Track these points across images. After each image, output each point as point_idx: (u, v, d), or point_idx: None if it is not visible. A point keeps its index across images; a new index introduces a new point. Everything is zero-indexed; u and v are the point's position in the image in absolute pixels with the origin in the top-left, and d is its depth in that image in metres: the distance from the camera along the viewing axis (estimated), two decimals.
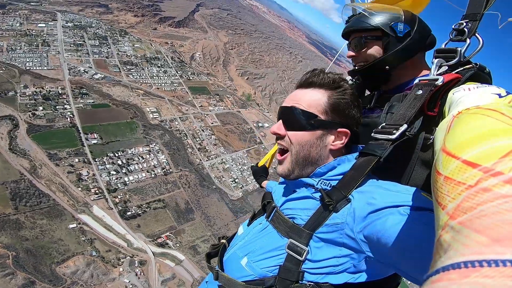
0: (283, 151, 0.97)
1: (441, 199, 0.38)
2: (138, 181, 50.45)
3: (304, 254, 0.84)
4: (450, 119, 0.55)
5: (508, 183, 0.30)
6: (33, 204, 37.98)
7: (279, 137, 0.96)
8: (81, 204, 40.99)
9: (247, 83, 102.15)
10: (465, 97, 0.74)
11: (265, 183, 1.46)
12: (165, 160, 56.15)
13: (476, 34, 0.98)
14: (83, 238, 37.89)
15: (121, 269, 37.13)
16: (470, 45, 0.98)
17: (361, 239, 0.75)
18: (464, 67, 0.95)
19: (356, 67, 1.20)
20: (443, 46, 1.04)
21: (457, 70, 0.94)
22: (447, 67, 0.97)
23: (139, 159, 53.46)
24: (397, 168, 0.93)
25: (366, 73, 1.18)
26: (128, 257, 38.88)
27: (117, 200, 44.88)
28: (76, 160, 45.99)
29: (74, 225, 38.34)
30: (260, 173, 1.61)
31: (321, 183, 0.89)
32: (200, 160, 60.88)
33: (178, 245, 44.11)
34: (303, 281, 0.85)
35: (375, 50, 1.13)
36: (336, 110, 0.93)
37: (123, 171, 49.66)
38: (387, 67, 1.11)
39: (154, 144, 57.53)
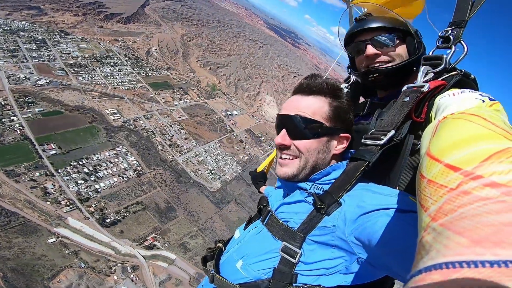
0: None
1: (424, 202, 0.40)
2: (111, 187, 48.59)
3: (297, 256, 0.86)
4: (436, 124, 0.57)
5: (488, 186, 0.32)
6: (2, 224, 35.38)
7: (284, 147, 0.97)
8: (54, 218, 38.87)
9: (210, 73, 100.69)
10: (449, 103, 0.77)
11: (263, 189, 1.50)
12: (135, 162, 54.44)
13: (461, 41, 1.02)
14: (66, 251, 36.46)
15: (115, 277, 36.57)
16: (456, 52, 1.02)
17: (352, 241, 0.78)
18: (450, 74, 0.98)
19: (376, 66, 1.15)
20: (430, 54, 1.08)
21: (442, 77, 0.97)
22: (433, 74, 1.00)
23: (107, 164, 51.15)
24: (387, 172, 0.97)
25: (395, 72, 1.13)
26: (119, 264, 38.20)
27: (92, 209, 43.20)
28: (37, 174, 42.93)
29: (53, 240, 36.58)
30: (259, 178, 1.62)
31: (314, 187, 0.93)
32: (173, 156, 59.97)
33: (166, 245, 44.06)
34: (297, 283, 0.88)
35: (403, 50, 1.14)
36: (338, 116, 0.97)
37: (92, 178, 47.37)
38: (414, 68, 1.12)
39: (121, 146, 55.24)
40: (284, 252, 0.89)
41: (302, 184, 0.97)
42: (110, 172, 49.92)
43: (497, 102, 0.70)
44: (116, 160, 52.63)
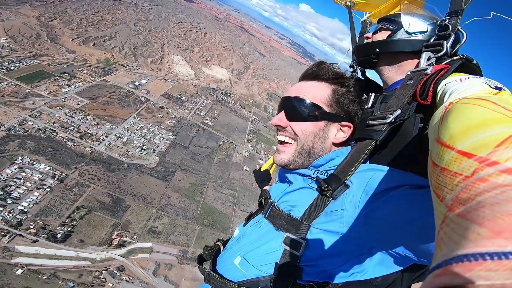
0: (283, 142, 0.98)
1: (439, 191, 0.38)
2: (37, 203, 42.84)
3: (301, 248, 0.81)
4: (443, 110, 0.57)
5: (505, 172, 0.31)
6: None
7: (281, 128, 0.97)
8: (1, 252, 34.37)
9: (97, 48, 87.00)
10: (456, 88, 0.77)
11: (267, 188, 1.50)
12: (48, 168, 47.84)
13: (459, 28, 1.07)
14: (44, 277, 33.75)
15: (110, 284, 35.62)
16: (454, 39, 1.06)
17: (365, 225, 0.73)
18: (452, 59, 1.02)
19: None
20: (430, 42, 1.12)
21: (445, 62, 1.00)
22: (435, 59, 1.04)
23: (15, 182, 43.77)
24: (394, 156, 0.96)
25: (359, 50, 1.35)
26: (104, 271, 36.84)
27: (32, 230, 38.57)
28: None
29: (22, 270, 33.33)
30: (263, 177, 1.59)
31: (317, 173, 0.91)
32: (91, 147, 54.36)
33: (135, 236, 42.90)
34: (302, 281, 0.84)
35: (380, 36, 1.26)
36: (341, 103, 0.95)
37: (9, 201, 40.60)
38: (377, 49, 1.23)
39: (21, 158, 47.01)
40: (287, 244, 0.83)
41: (304, 171, 0.94)
42: (26, 188, 43.20)
43: (503, 91, 0.69)
44: (23, 174, 45.23)
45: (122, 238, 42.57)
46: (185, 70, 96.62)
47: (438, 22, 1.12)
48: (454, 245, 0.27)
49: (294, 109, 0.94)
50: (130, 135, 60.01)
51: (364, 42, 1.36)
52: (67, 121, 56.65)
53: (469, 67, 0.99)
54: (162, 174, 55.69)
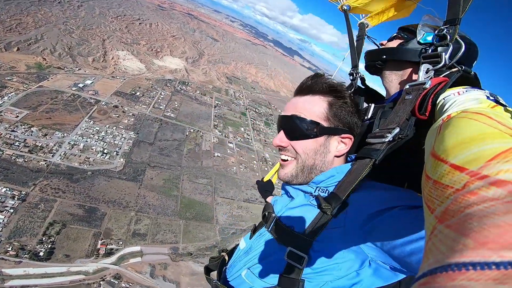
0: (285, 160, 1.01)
1: (430, 203, 0.40)
2: (5, 225, 39.75)
3: (304, 262, 0.85)
4: (440, 124, 0.57)
5: (494, 185, 0.32)
6: None
7: (282, 148, 1.00)
8: None
9: (23, 53, 77.29)
10: (454, 101, 0.78)
11: (270, 199, 1.52)
12: (4, 189, 43.56)
13: (458, 38, 1.06)
14: None
15: None
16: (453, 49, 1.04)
17: (363, 242, 0.78)
18: (450, 71, 1.02)
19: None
20: (428, 52, 1.11)
21: (444, 74, 1.00)
22: (433, 72, 1.04)
23: None
24: (393, 173, 0.98)
25: (369, 55, 1.35)
26: (101, 282, 36.09)
27: (12, 252, 36.59)
28: None
29: None
30: (266, 188, 1.63)
31: (318, 190, 0.93)
32: (45, 160, 50.10)
33: (121, 242, 41.52)
34: None
35: (392, 44, 1.27)
36: (338, 116, 0.97)
37: None
38: (384, 56, 1.23)
39: None
40: (290, 258, 0.87)
41: (305, 187, 0.97)
42: None
43: (500, 105, 0.69)
44: None
45: (108, 246, 41.33)
46: (134, 65, 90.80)
47: (436, 32, 1.11)
48: (440, 255, 0.28)
49: (293, 128, 0.97)
50: (86, 141, 56.18)
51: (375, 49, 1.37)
52: (9, 136, 51.10)
53: (467, 79, 0.99)
54: (131, 175, 53.54)
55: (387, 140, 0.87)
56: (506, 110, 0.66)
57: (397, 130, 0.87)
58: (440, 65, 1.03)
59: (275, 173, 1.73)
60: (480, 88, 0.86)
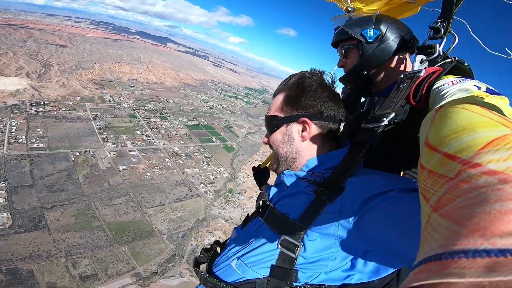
0: None
1: (425, 192, 0.42)
2: None
3: (298, 250, 0.85)
4: (433, 113, 0.59)
5: (485, 174, 0.33)
6: None
7: (267, 144, 1.12)
8: None
9: None
10: (448, 91, 0.81)
11: (265, 187, 1.52)
12: None
13: (451, 31, 1.13)
14: None
15: None
16: (447, 41, 1.12)
17: (358, 228, 0.77)
18: (444, 61, 1.07)
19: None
20: (422, 44, 1.17)
21: (438, 64, 1.05)
22: (428, 62, 1.07)
23: None
24: (388, 161, 1.01)
25: (349, 80, 1.36)
26: None
27: None
28: None
29: None
30: (262, 176, 1.62)
31: (314, 176, 0.95)
32: None
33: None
34: (298, 283, 0.87)
35: (353, 58, 1.29)
36: (289, 103, 1.04)
37: None
38: (364, 72, 1.25)
39: None
40: (283, 247, 0.87)
41: (301, 174, 1.00)
42: None
43: (492, 95, 0.72)
44: None
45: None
46: None
47: (430, 25, 1.19)
48: (434, 244, 0.29)
49: (266, 125, 1.11)
50: None
51: (346, 71, 1.36)
52: None
53: (461, 70, 1.04)
54: (30, 226, 43.87)
55: (382, 124, 0.91)
56: (498, 99, 0.69)
57: (392, 114, 0.92)
58: (434, 55, 1.10)
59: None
60: (473, 78, 0.92)
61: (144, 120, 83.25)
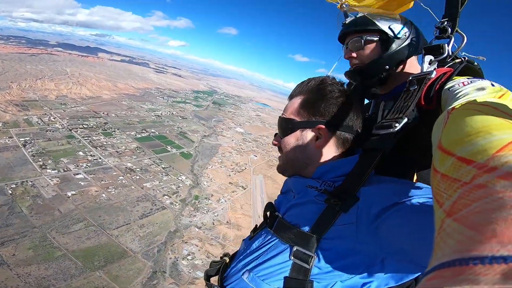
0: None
1: (439, 197, 0.41)
2: None
3: (312, 261, 0.84)
4: (445, 116, 0.58)
5: (502, 178, 0.33)
6: None
7: (276, 146, 1.13)
8: None
9: None
10: (459, 92, 0.79)
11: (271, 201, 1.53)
12: None
13: (458, 30, 1.10)
14: None
15: None
16: (454, 41, 1.10)
17: (375, 238, 0.76)
18: (454, 61, 1.04)
19: (353, 68, 1.31)
20: (431, 44, 1.14)
21: (448, 65, 1.03)
22: (437, 63, 1.06)
23: None
24: (401, 167, 0.99)
25: (365, 73, 1.28)
26: None
27: None
28: None
29: None
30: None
31: (324, 185, 0.94)
32: None
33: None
34: None
35: (373, 51, 1.24)
36: (307, 109, 1.03)
37: None
38: (386, 66, 1.21)
39: None
40: (296, 258, 0.86)
41: (310, 181, 0.99)
42: None
43: (506, 93, 0.71)
44: None
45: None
46: None
47: (436, 25, 1.18)
48: (448, 250, 0.29)
49: (279, 127, 1.11)
50: None
51: (367, 63, 1.28)
52: None
53: (471, 70, 1.03)
54: None
55: (395, 130, 0.89)
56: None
57: (405, 120, 0.90)
58: (444, 56, 1.07)
59: None
60: (483, 78, 0.89)
61: (85, 139, 77.29)
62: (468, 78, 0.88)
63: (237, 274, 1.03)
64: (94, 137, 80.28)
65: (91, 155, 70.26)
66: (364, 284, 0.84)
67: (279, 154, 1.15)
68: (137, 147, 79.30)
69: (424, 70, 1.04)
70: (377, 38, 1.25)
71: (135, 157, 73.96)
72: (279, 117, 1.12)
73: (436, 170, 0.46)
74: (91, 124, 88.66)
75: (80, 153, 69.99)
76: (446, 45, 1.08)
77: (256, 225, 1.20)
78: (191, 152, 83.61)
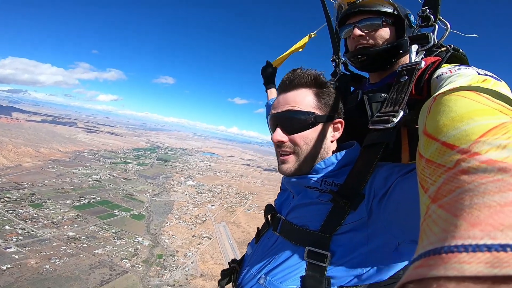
0: (283, 155, 1.07)
1: (424, 182, 0.42)
2: None
3: (327, 259, 0.87)
4: (431, 101, 0.60)
5: (485, 163, 0.34)
6: None
7: (280, 144, 1.06)
8: None
9: None
10: (446, 79, 0.83)
11: (271, 92, 1.70)
12: None
13: (441, 18, 1.14)
14: None
15: None
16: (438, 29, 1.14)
17: (386, 225, 0.80)
18: (440, 50, 1.09)
19: (361, 46, 1.25)
20: (414, 33, 1.20)
21: (435, 53, 1.08)
22: (424, 52, 1.10)
23: None
24: (393, 158, 1.01)
25: (376, 55, 1.24)
26: None
27: None
28: None
29: None
30: (268, 70, 1.69)
31: (324, 184, 0.96)
32: None
33: None
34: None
35: (388, 33, 1.23)
36: (326, 103, 1.06)
37: None
38: (401, 51, 1.21)
39: None
40: (311, 258, 0.89)
41: (307, 181, 1.00)
42: None
43: (489, 79, 0.73)
44: None
45: None
46: None
47: (418, 13, 1.19)
48: (434, 237, 0.30)
49: (290, 122, 1.04)
50: None
51: (383, 46, 1.23)
52: None
53: (457, 57, 1.06)
54: None
55: (394, 124, 0.90)
56: (496, 84, 0.69)
57: (402, 113, 0.91)
58: (429, 45, 1.09)
59: (284, 57, 1.95)
60: (469, 66, 0.92)
61: (10, 213, 68.14)
62: (454, 66, 0.92)
63: (252, 280, 1.06)
64: (21, 210, 71.59)
65: (20, 228, 62.37)
66: (382, 271, 0.88)
67: (280, 155, 1.09)
68: (76, 216, 73.19)
69: (413, 59, 1.08)
70: (392, 23, 1.23)
71: (76, 225, 68.05)
72: (291, 110, 1.04)
73: (421, 155, 0.48)
74: (14, 197, 78.75)
75: (7, 227, 61.60)
76: (431, 33, 1.11)
77: (259, 228, 1.26)
78: (143, 213, 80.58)
